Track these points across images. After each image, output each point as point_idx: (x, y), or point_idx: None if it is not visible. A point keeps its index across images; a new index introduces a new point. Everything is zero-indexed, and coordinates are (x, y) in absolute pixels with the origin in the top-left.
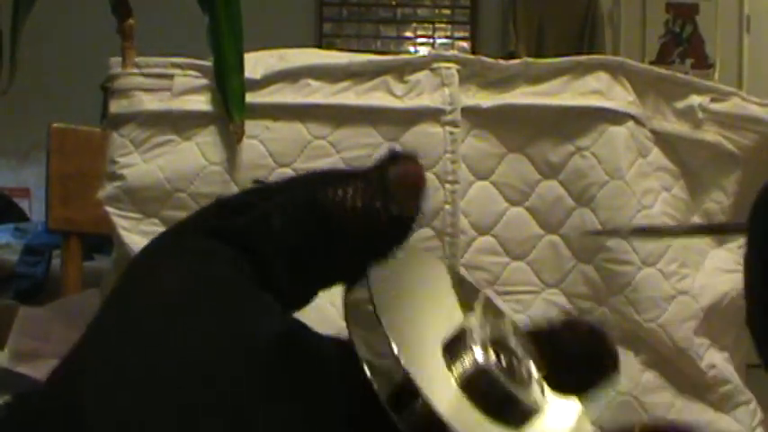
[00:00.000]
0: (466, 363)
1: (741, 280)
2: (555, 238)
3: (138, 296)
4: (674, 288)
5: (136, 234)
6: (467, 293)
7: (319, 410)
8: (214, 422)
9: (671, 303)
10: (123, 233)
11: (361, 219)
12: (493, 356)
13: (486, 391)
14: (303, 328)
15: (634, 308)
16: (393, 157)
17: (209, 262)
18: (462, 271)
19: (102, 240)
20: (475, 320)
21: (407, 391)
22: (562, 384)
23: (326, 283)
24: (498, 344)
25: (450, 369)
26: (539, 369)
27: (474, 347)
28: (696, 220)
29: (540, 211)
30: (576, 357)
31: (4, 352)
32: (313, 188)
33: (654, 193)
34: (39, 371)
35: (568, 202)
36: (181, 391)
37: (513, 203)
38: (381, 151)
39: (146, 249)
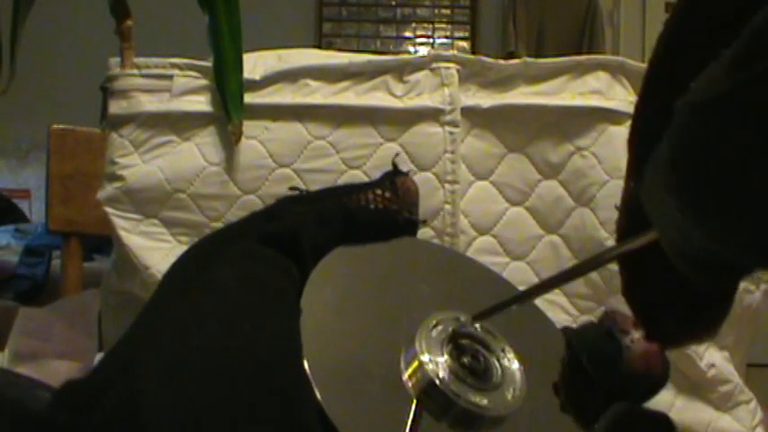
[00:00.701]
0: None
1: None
2: (555, 237)
3: (201, 295)
4: None
5: (136, 235)
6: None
7: None
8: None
9: None
10: (123, 234)
11: (381, 220)
12: (445, 361)
13: (435, 401)
14: None
15: None
16: (396, 171)
17: (266, 268)
18: None
19: (102, 241)
20: (432, 324)
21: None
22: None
23: None
24: (463, 339)
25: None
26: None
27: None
28: None
29: (540, 210)
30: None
31: (4, 353)
32: (339, 196)
33: None
34: (39, 371)
35: (568, 201)
36: (240, 395)
37: (513, 203)
38: (381, 152)
39: (197, 252)
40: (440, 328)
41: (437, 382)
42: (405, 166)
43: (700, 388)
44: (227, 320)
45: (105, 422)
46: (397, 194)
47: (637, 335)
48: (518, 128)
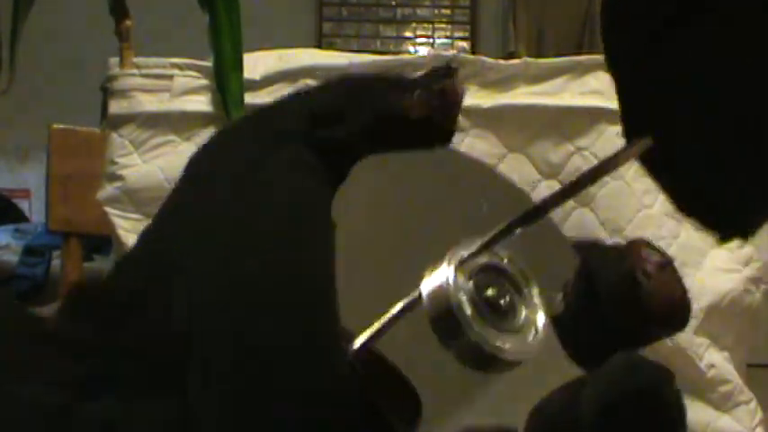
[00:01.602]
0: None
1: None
2: None
3: (255, 210)
4: None
5: (135, 234)
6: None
7: None
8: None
9: None
10: (123, 234)
11: (420, 129)
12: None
13: (450, 329)
14: None
15: None
16: (447, 71)
17: (315, 182)
18: None
19: (102, 241)
20: (460, 253)
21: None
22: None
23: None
24: (489, 271)
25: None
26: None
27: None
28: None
29: None
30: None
31: None
32: (387, 96)
33: (654, 192)
34: None
35: (568, 202)
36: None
37: None
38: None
39: (238, 143)
40: (475, 254)
41: (453, 306)
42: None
43: (699, 388)
44: (284, 241)
45: (146, 343)
46: (445, 100)
47: (659, 276)
48: (518, 128)
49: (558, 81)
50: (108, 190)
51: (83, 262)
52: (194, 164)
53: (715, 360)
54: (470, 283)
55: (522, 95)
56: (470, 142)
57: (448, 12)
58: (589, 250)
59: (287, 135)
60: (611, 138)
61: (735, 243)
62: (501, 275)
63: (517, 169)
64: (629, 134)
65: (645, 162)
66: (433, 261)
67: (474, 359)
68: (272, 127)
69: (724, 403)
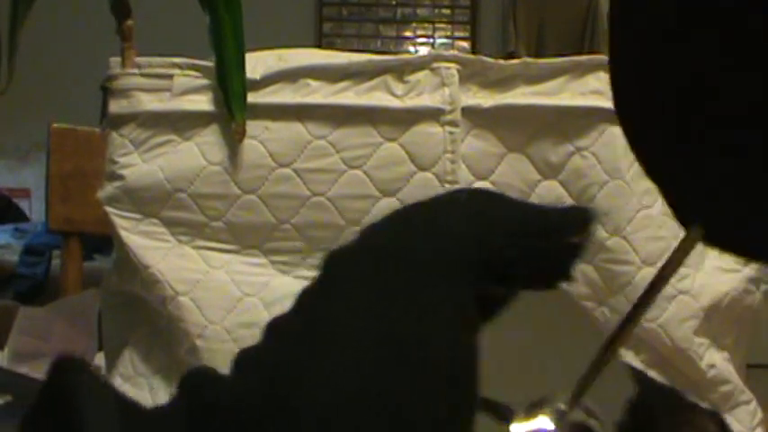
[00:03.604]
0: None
1: (741, 279)
2: None
3: (404, 360)
4: (674, 288)
5: (136, 234)
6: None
7: None
8: None
9: (671, 303)
10: (123, 233)
11: (551, 273)
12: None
13: None
14: None
15: None
16: (587, 219)
17: (473, 335)
18: None
19: (103, 240)
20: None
21: None
22: None
23: None
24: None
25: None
26: None
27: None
28: None
29: None
30: None
31: (4, 352)
32: (533, 247)
33: (654, 192)
34: (39, 371)
35: (568, 201)
36: None
37: None
38: (381, 151)
39: (397, 278)
40: (569, 409)
41: None
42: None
43: (699, 388)
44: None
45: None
46: (574, 256)
47: None
48: (518, 128)
49: (559, 81)
50: (108, 189)
51: (83, 261)
52: (346, 277)
53: (715, 360)
54: None
55: (522, 95)
56: (470, 142)
57: (448, 11)
58: (650, 390)
59: (461, 277)
60: (611, 138)
61: None
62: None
63: (517, 169)
64: (679, 221)
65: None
66: (528, 403)
67: None
68: (446, 260)
69: (724, 403)
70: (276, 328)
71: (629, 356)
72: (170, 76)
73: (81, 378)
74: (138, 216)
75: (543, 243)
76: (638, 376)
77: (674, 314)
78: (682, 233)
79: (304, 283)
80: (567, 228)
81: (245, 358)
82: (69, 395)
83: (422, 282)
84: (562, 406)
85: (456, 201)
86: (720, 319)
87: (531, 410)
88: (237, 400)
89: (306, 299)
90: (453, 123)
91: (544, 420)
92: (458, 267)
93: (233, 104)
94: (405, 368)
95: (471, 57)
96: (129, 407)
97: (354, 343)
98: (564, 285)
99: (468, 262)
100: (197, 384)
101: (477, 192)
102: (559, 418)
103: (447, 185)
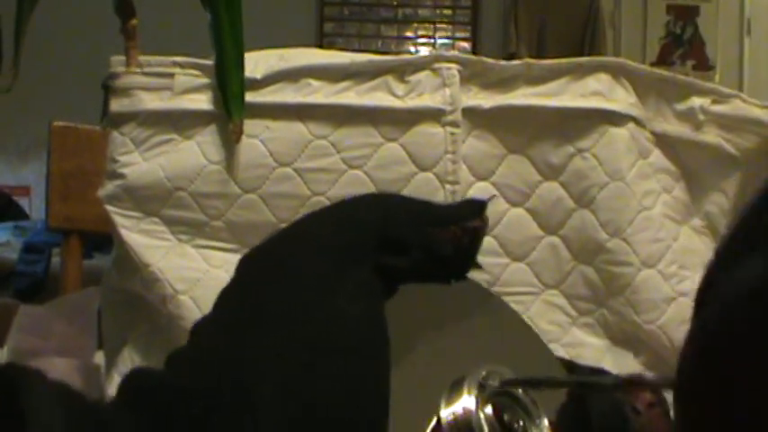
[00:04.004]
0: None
1: None
2: (555, 239)
3: (332, 331)
4: (674, 290)
5: (136, 233)
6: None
7: None
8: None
9: (671, 305)
10: (123, 232)
11: (454, 261)
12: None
13: None
14: None
15: (634, 309)
16: (482, 207)
17: (379, 306)
18: None
19: (103, 239)
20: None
21: None
22: None
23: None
24: (507, 400)
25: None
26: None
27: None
28: (697, 221)
29: (541, 212)
30: None
31: (3, 350)
32: (433, 234)
33: (654, 194)
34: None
35: (569, 203)
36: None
37: (514, 204)
38: (382, 152)
39: (310, 270)
40: (489, 380)
41: (475, 428)
42: (494, 200)
43: None
44: (354, 364)
45: None
46: (472, 240)
47: (647, 414)
48: (519, 129)
49: (560, 82)
50: (109, 188)
51: (83, 260)
52: (258, 266)
53: None
54: (489, 408)
55: (522, 96)
56: (471, 143)
57: (449, 12)
58: (584, 374)
59: (361, 255)
60: (612, 139)
61: None
62: (514, 401)
63: (517, 170)
64: None
65: None
66: (450, 384)
67: None
68: (346, 242)
69: None
70: (197, 328)
71: (628, 358)
72: (171, 75)
73: (26, 376)
74: (138, 215)
75: (438, 227)
76: (574, 368)
77: (674, 316)
78: (681, 235)
79: None
80: (461, 215)
81: (175, 357)
82: (13, 392)
83: (321, 260)
84: (485, 381)
85: (362, 197)
86: None
87: (453, 392)
88: (173, 390)
89: (220, 298)
90: (454, 124)
91: (467, 399)
92: (356, 248)
93: (231, 104)
94: (305, 344)
95: (472, 57)
96: (75, 403)
97: (264, 330)
98: (476, 276)
99: (365, 243)
100: (136, 380)
101: (382, 193)
102: (481, 392)
103: (448, 186)
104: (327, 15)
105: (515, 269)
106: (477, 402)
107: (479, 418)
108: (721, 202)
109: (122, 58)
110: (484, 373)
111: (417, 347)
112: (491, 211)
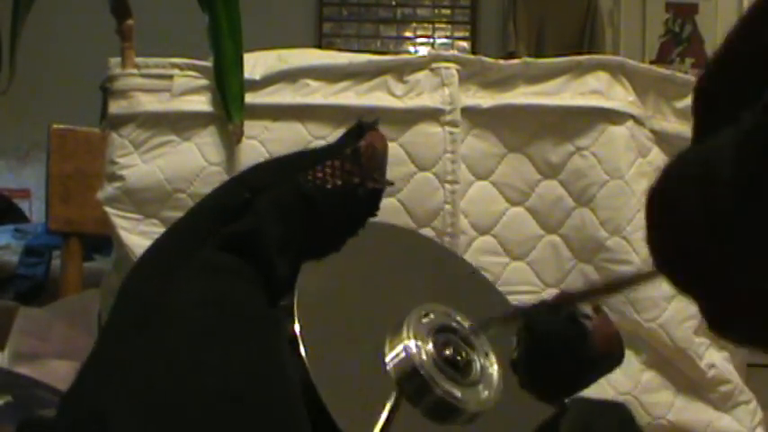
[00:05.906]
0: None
1: None
2: (555, 238)
3: (163, 328)
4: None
5: (135, 234)
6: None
7: None
8: None
9: (670, 303)
10: (123, 233)
11: (341, 196)
12: (428, 348)
13: (411, 383)
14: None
15: (634, 308)
16: (360, 131)
17: (228, 280)
18: None
19: (102, 241)
20: (416, 316)
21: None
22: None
23: (310, 259)
24: (447, 334)
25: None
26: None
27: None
28: None
29: (540, 210)
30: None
31: (4, 352)
32: (296, 177)
33: None
34: (38, 371)
35: (568, 201)
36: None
37: (513, 203)
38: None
39: (151, 267)
40: (428, 318)
41: (418, 367)
42: (370, 118)
43: (700, 388)
44: (194, 353)
45: None
46: (359, 162)
47: (596, 317)
48: (518, 128)
49: (558, 81)
50: (108, 190)
51: (83, 262)
52: (124, 291)
53: (715, 360)
54: (430, 345)
55: (522, 95)
56: (470, 142)
57: (448, 12)
58: (526, 310)
59: (196, 239)
60: (611, 138)
61: None
62: (454, 334)
63: (517, 169)
64: None
65: None
66: (391, 327)
67: (442, 413)
68: (180, 233)
69: (724, 403)
70: (81, 367)
71: (629, 357)
72: (170, 77)
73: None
74: (137, 216)
75: (309, 169)
76: (518, 307)
77: (674, 314)
78: None
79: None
80: (338, 147)
81: (64, 399)
82: None
83: (160, 255)
84: (423, 320)
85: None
86: None
87: (395, 336)
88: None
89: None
90: (453, 123)
91: (407, 341)
92: (190, 232)
93: (230, 105)
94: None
95: (471, 57)
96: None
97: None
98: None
99: (198, 225)
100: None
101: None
102: (420, 331)
103: (447, 185)
104: (326, 16)
105: (516, 268)
106: (416, 342)
107: (421, 356)
108: None
109: (120, 59)
110: (422, 312)
111: (362, 295)
112: (491, 211)
